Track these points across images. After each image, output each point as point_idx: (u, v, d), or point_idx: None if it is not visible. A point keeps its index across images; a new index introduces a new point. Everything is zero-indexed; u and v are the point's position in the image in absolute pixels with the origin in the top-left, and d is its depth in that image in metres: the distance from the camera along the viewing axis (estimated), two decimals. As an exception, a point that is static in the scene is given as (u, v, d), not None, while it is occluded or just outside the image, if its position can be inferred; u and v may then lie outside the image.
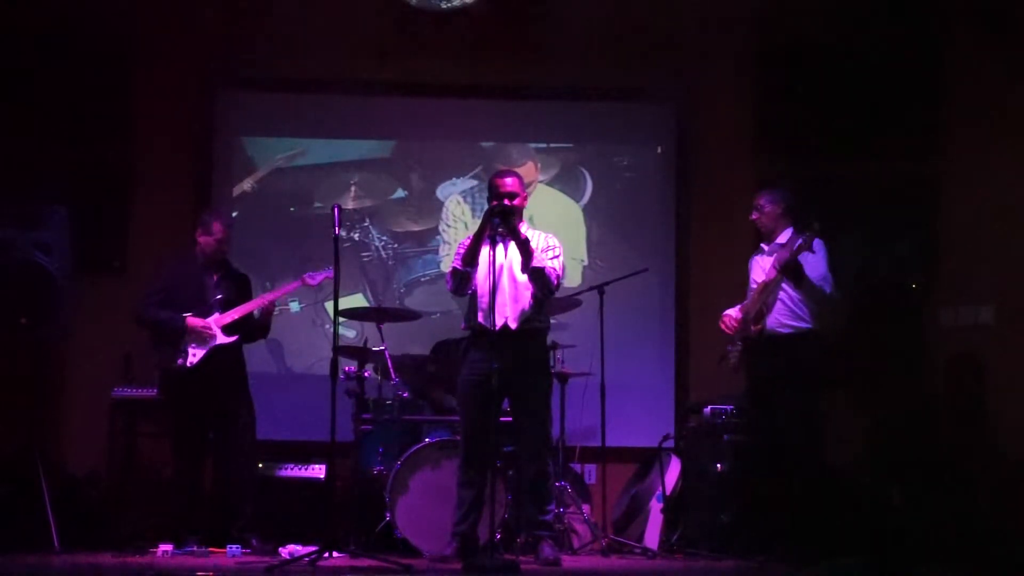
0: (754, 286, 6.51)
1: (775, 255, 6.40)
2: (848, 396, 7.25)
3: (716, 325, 7.53)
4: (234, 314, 6.47)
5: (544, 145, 7.94)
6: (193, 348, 6.41)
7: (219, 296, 6.53)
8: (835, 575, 5.72)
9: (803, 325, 6.36)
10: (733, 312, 6.55)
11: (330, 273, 6.48)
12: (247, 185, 7.77)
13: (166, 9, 7.59)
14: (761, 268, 6.51)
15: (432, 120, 7.88)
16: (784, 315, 6.37)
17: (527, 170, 7.68)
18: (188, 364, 6.40)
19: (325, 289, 7.20)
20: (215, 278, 6.59)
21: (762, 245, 6.61)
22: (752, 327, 6.36)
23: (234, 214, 7.58)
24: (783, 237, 6.49)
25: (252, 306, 6.50)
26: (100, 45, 7.54)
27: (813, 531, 6.04)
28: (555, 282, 6.04)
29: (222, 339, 6.45)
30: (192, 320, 6.41)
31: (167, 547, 6.22)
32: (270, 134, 7.86)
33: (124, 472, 7.04)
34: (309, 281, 6.62)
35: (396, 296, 7.75)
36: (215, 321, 6.45)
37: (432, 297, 7.72)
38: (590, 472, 7.48)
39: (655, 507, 6.85)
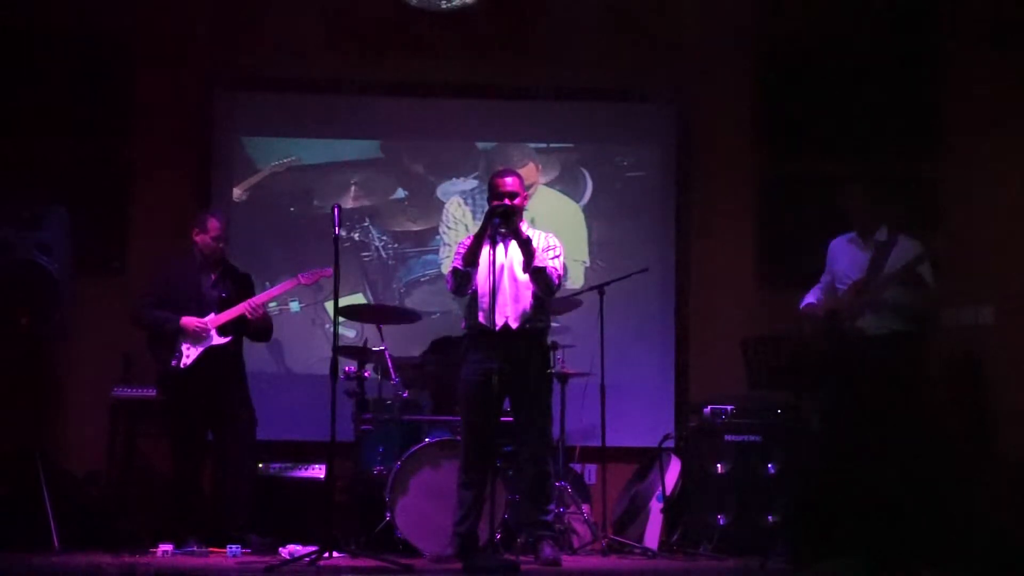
0: (844, 277, 6.38)
1: (873, 253, 6.29)
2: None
3: (716, 325, 7.59)
4: (229, 315, 6.47)
5: (544, 145, 7.94)
6: (187, 349, 6.41)
7: (216, 296, 6.52)
8: (835, 575, 5.72)
9: (898, 327, 6.27)
10: (815, 301, 6.43)
11: (325, 272, 6.50)
12: (240, 191, 7.77)
13: (166, 9, 7.59)
14: (853, 261, 6.39)
15: (432, 120, 7.88)
16: (883, 315, 6.26)
17: (528, 172, 7.67)
18: (182, 365, 6.40)
19: (325, 289, 7.21)
20: (213, 278, 6.58)
21: (856, 236, 6.46)
22: (845, 324, 6.24)
23: (232, 214, 7.57)
24: (881, 234, 6.36)
25: (245, 306, 6.49)
26: (100, 45, 7.54)
27: (819, 531, 6.02)
28: (556, 282, 6.04)
29: (217, 339, 6.45)
30: (187, 320, 6.41)
31: (167, 547, 6.23)
32: (270, 134, 7.86)
33: (124, 472, 7.04)
34: (303, 280, 6.61)
35: (396, 296, 7.75)
36: (211, 321, 6.45)
37: (432, 297, 7.72)
38: (590, 472, 7.48)
39: (655, 507, 6.84)
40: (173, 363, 6.41)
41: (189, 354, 6.41)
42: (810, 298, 6.51)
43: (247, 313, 6.46)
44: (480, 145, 7.94)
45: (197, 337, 6.41)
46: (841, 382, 6.25)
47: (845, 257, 6.47)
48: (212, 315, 6.47)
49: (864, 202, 6.44)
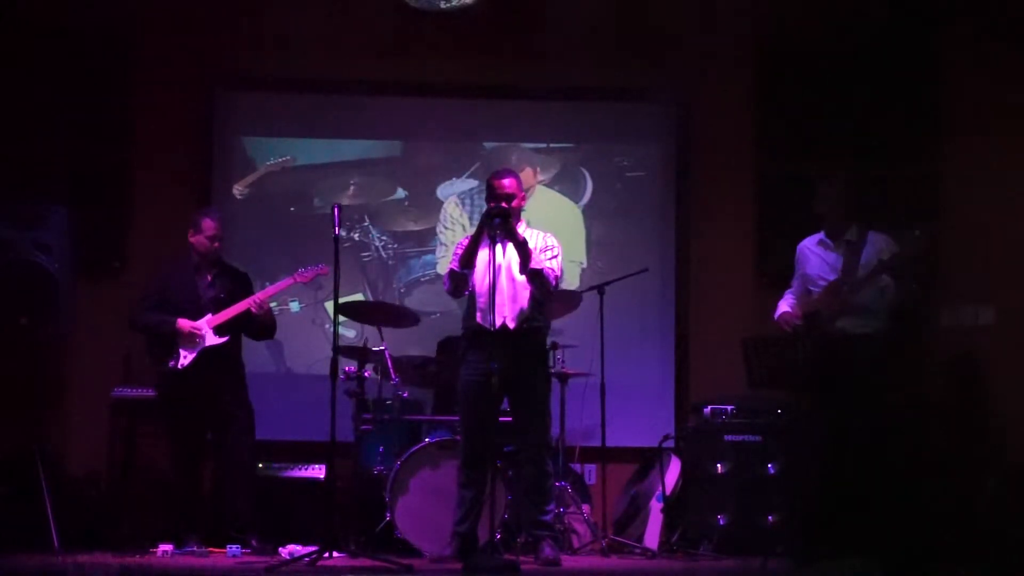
0: (816, 279, 6.30)
1: (844, 254, 6.21)
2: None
3: (716, 325, 7.58)
4: (226, 314, 6.46)
5: (544, 145, 7.94)
6: (184, 351, 6.41)
7: (212, 296, 6.52)
8: (835, 575, 5.72)
9: (878, 325, 6.21)
10: (789, 309, 6.38)
11: (321, 269, 6.52)
12: (239, 189, 7.77)
13: (166, 9, 7.59)
14: (825, 262, 6.31)
15: (432, 120, 7.88)
16: (862, 314, 6.19)
17: (525, 175, 7.62)
18: (179, 366, 6.40)
19: (325, 289, 7.22)
20: (209, 278, 6.57)
21: (824, 238, 6.36)
22: (826, 325, 6.16)
23: (232, 214, 7.58)
24: (851, 234, 6.28)
25: (243, 306, 6.47)
26: (100, 45, 7.54)
27: (821, 530, 6.01)
28: (554, 283, 6.04)
29: (212, 340, 6.44)
30: (182, 323, 6.40)
31: (167, 547, 6.23)
32: (270, 134, 7.86)
33: (124, 472, 7.02)
34: (299, 278, 6.60)
35: (396, 296, 7.75)
36: (207, 322, 6.45)
37: (432, 297, 7.71)
38: (590, 472, 7.48)
39: (655, 507, 6.84)
40: (171, 364, 6.41)
41: (186, 356, 6.41)
42: (783, 306, 6.45)
43: (252, 308, 6.45)
44: (480, 145, 7.94)
45: (191, 340, 6.41)
46: (827, 383, 6.24)
47: (815, 259, 6.38)
48: (209, 315, 6.46)
49: (837, 202, 6.36)
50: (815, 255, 6.40)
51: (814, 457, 6.24)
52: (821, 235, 6.40)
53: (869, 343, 6.16)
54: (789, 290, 6.51)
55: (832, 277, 6.23)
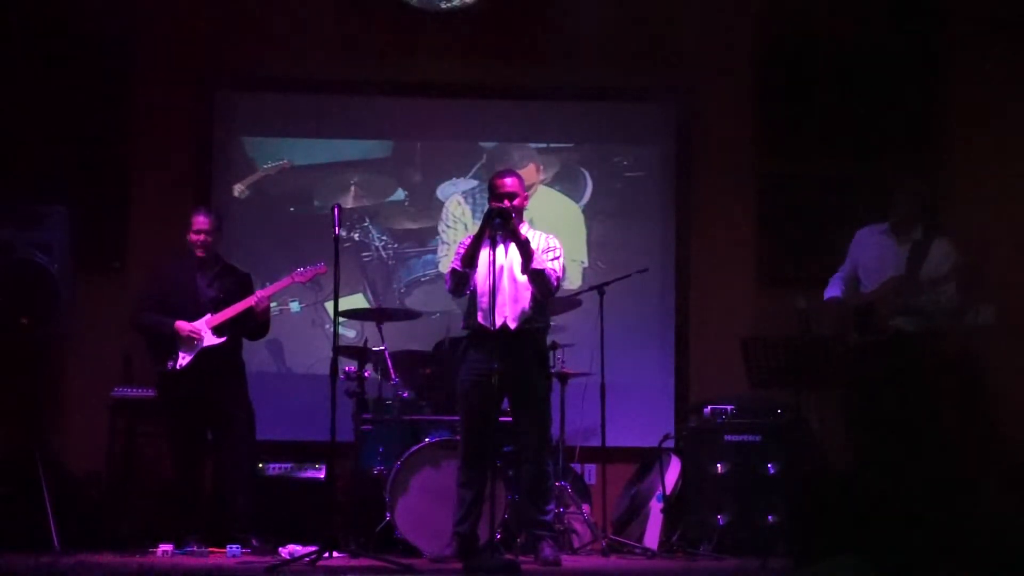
0: (871, 270, 6.34)
1: (909, 252, 6.24)
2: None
3: (716, 325, 7.59)
4: (225, 314, 6.46)
5: (544, 145, 7.94)
6: (182, 352, 6.41)
7: (212, 296, 6.52)
8: (835, 575, 5.71)
9: (931, 326, 6.26)
10: (839, 295, 6.40)
11: (320, 268, 6.53)
12: (242, 186, 7.78)
13: (166, 9, 7.59)
14: (885, 253, 6.35)
15: (432, 120, 7.88)
16: (918, 315, 6.25)
17: (528, 172, 7.67)
18: (177, 367, 6.40)
19: (325, 289, 7.22)
20: (209, 278, 6.58)
21: (889, 229, 6.41)
22: (883, 320, 6.20)
23: (232, 214, 7.58)
24: (917, 233, 6.33)
25: (242, 306, 6.47)
26: (100, 46, 7.54)
27: (813, 531, 6.02)
28: (555, 283, 6.04)
29: (210, 340, 6.44)
30: (180, 324, 6.41)
31: (167, 547, 6.23)
32: (270, 134, 7.86)
33: (124, 472, 7.03)
34: (298, 278, 6.60)
35: (396, 296, 7.75)
36: (206, 322, 6.45)
37: (432, 297, 7.72)
38: (590, 472, 7.48)
39: (655, 507, 6.85)
40: (169, 365, 6.42)
41: (184, 356, 6.42)
42: (834, 291, 6.47)
43: (254, 304, 6.45)
44: (481, 145, 7.94)
45: (189, 342, 6.41)
46: (876, 378, 6.22)
47: (875, 249, 6.42)
48: (208, 315, 6.47)
49: (915, 198, 6.39)
50: (875, 244, 6.42)
51: (853, 453, 6.24)
52: (885, 226, 6.42)
53: (921, 342, 6.17)
54: (838, 273, 6.53)
55: (888, 270, 6.26)
